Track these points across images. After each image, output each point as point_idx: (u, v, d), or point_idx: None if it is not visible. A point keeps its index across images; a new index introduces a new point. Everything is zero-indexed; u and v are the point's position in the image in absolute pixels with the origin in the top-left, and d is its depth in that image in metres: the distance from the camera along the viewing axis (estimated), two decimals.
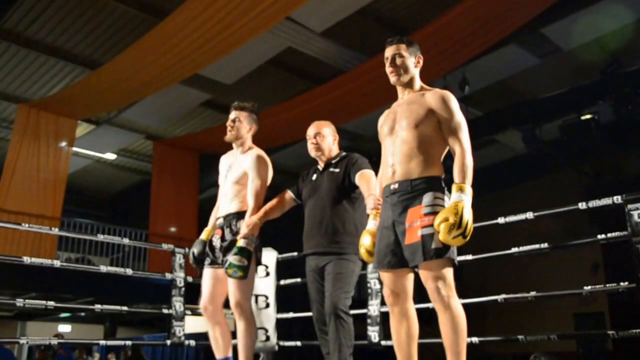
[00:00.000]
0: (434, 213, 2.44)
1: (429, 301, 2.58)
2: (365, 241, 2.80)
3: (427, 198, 2.50)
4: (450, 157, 2.64)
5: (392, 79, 2.74)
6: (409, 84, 2.75)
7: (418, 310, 2.72)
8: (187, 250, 4.89)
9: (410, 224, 2.49)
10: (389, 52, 2.74)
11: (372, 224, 2.82)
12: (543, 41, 8.42)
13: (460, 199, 2.40)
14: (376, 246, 2.67)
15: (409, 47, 2.73)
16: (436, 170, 2.59)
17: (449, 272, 2.45)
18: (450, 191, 2.49)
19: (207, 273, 3.59)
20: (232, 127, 3.56)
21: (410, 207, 2.52)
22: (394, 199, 2.58)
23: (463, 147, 2.53)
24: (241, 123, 3.56)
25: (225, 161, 3.72)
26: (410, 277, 2.63)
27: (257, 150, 3.58)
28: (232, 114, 3.58)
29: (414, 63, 2.74)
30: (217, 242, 3.53)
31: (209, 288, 3.56)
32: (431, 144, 2.59)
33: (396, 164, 2.61)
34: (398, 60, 2.71)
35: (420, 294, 2.74)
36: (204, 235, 3.66)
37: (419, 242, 2.43)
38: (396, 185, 2.59)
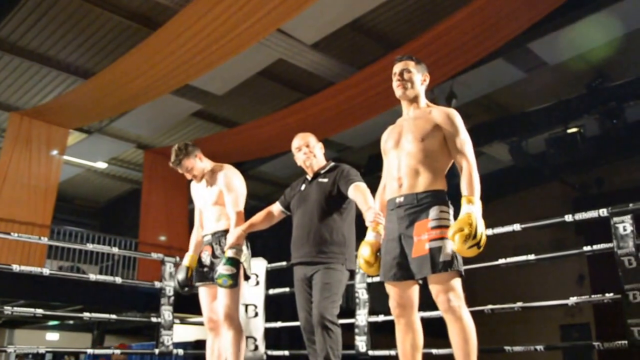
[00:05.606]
0: (441, 227, 2.52)
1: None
2: (365, 252, 2.78)
3: (433, 212, 2.55)
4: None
5: (398, 92, 2.78)
6: (415, 100, 2.79)
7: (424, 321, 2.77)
8: (177, 259, 4.99)
9: (418, 238, 2.54)
10: (397, 67, 2.80)
11: (371, 236, 2.81)
12: (529, 56, 8.54)
13: (471, 210, 2.46)
14: (382, 259, 2.71)
15: (417, 64, 2.80)
16: (440, 184, 2.64)
17: (458, 283, 2.50)
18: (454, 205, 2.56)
19: (202, 291, 3.76)
20: (192, 175, 3.77)
21: (417, 221, 2.57)
22: (400, 212, 2.63)
23: (469, 162, 2.59)
24: (192, 165, 3.74)
25: (196, 186, 3.89)
26: (416, 288, 2.67)
27: (224, 167, 3.76)
28: (181, 170, 3.76)
29: (420, 80, 2.80)
30: (207, 258, 3.67)
31: (207, 305, 3.72)
32: (436, 158, 2.65)
33: (403, 177, 2.65)
34: (406, 75, 2.76)
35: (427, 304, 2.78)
36: (186, 262, 3.78)
37: (427, 255, 2.49)
38: (402, 199, 2.63)
